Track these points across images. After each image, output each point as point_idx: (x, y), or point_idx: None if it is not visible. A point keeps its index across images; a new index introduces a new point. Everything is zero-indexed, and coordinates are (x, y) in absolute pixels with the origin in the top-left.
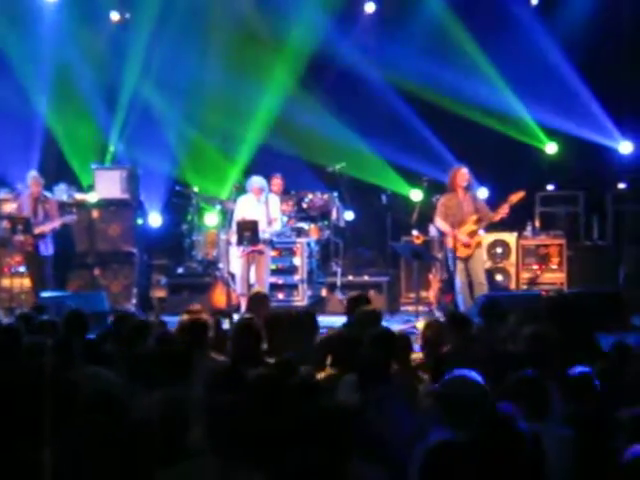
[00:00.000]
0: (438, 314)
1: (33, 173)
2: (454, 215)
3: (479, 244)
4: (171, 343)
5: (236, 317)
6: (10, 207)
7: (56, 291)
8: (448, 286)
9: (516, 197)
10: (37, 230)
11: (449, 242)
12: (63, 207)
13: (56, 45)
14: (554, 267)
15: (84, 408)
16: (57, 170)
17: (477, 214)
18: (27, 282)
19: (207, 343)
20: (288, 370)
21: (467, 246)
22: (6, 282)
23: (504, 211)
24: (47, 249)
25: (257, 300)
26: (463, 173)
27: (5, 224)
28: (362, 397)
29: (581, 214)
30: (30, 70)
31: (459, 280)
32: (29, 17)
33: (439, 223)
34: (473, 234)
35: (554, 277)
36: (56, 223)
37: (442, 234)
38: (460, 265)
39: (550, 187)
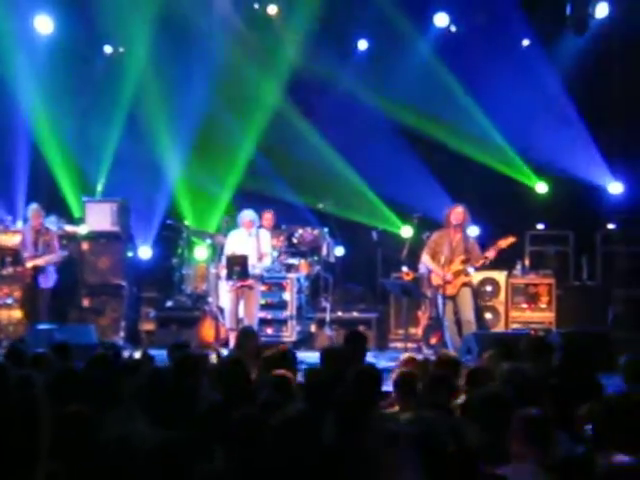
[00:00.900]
0: (427, 351)
1: (34, 205)
2: (442, 252)
3: (466, 283)
4: (163, 380)
5: (224, 352)
6: (2, 239)
7: (46, 324)
8: (437, 324)
9: (505, 242)
10: (33, 262)
11: (434, 280)
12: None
13: (49, 77)
14: (543, 306)
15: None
16: (48, 202)
17: (465, 255)
18: (15, 314)
19: (200, 378)
20: (273, 409)
21: (449, 284)
22: None
23: (491, 255)
24: (47, 282)
25: (245, 335)
26: (457, 212)
27: None
28: (340, 437)
29: (571, 254)
30: (22, 101)
31: (446, 318)
32: (22, 49)
33: (425, 259)
34: (458, 274)
35: (543, 316)
36: (52, 257)
37: (429, 271)
38: (446, 303)
39: (540, 226)
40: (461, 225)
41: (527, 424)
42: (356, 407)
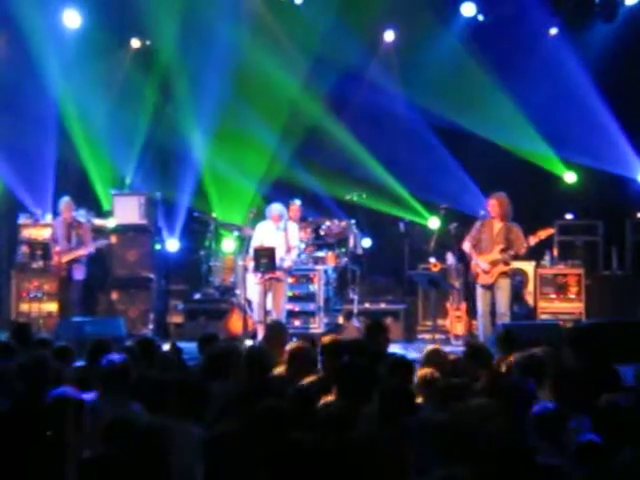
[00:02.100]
0: (455, 342)
1: (66, 198)
2: (482, 241)
3: (503, 274)
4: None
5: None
6: (29, 232)
7: (79, 316)
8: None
9: (545, 233)
10: (68, 256)
11: (473, 268)
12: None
13: (77, 71)
14: (572, 297)
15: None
16: (76, 196)
17: (505, 244)
18: (46, 307)
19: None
20: (305, 401)
21: (487, 273)
22: (24, 307)
23: (531, 243)
24: (80, 274)
25: (274, 328)
26: (491, 203)
27: (24, 249)
28: (387, 429)
29: (600, 244)
30: (50, 95)
31: (479, 307)
32: (51, 44)
33: (465, 246)
34: (496, 263)
35: (572, 307)
36: (90, 248)
37: (461, 260)
38: (480, 292)
39: (569, 216)
40: (500, 216)
41: (540, 419)
42: (401, 397)
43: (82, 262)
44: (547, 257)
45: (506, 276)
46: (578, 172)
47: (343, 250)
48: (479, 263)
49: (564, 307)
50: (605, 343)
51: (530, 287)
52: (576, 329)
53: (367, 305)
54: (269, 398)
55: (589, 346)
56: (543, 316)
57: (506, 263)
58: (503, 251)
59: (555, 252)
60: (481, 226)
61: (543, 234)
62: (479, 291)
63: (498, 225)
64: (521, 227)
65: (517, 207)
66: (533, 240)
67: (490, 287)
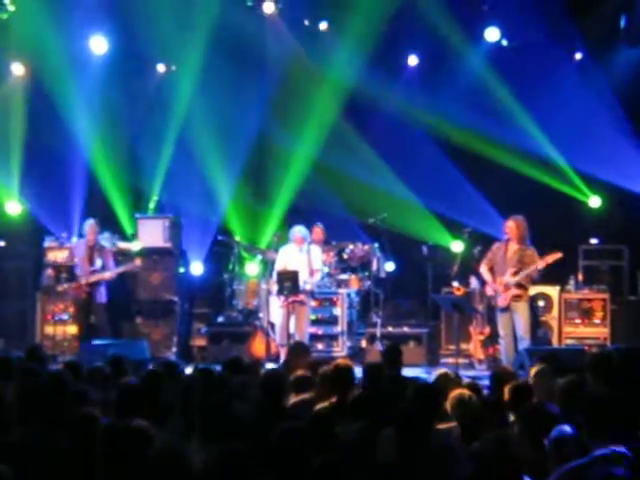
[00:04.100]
0: (479, 367)
1: (90, 221)
2: (497, 264)
3: (517, 297)
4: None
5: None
6: (54, 255)
7: (108, 339)
8: (492, 338)
9: (552, 258)
10: (90, 278)
11: (487, 291)
12: (116, 256)
13: (103, 96)
14: (597, 322)
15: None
16: (101, 219)
17: (518, 267)
18: (70, 329)
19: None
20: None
21: (499, 296)
22: (49, 329)
23: (539, 266)
24: (102, 297)
25: (297, 351)
26: (507, 225)
27: (50, 272)
28: (401, 454)
29: (625, 268)
30: (76, 120)
31: (499, 330)
32: (77, 68)
33: (482, 269)
34: (508, 286)
35: (597, 332)
36: (112, 274)
37: (485, 284)
38: (499, 315)
39: (594, 241)
40: (517, 238)
41: (559, 444)
42: (418, 424)
43: (104, 285)
44: (572, 282)
45: (520, 299)
46: (603, 196)
47: (366, 273)
48: (495, 286)
49: (589, 332)
50: (631, 370)
51: (555, 312)
52: (599, 355)
53: (390, 329)
54: (285, 421)
55: (614, 372)
56: (568, 341)
57: (521, 286)
58: (515, 274)
59: (580, 277)
60: (497, 248)
61: (550, 258)
62: (498, 314)
63: (514, 247)
64: (538, 250)
65: (541, 232)
66: (541, 264)
67: (506, 310)
